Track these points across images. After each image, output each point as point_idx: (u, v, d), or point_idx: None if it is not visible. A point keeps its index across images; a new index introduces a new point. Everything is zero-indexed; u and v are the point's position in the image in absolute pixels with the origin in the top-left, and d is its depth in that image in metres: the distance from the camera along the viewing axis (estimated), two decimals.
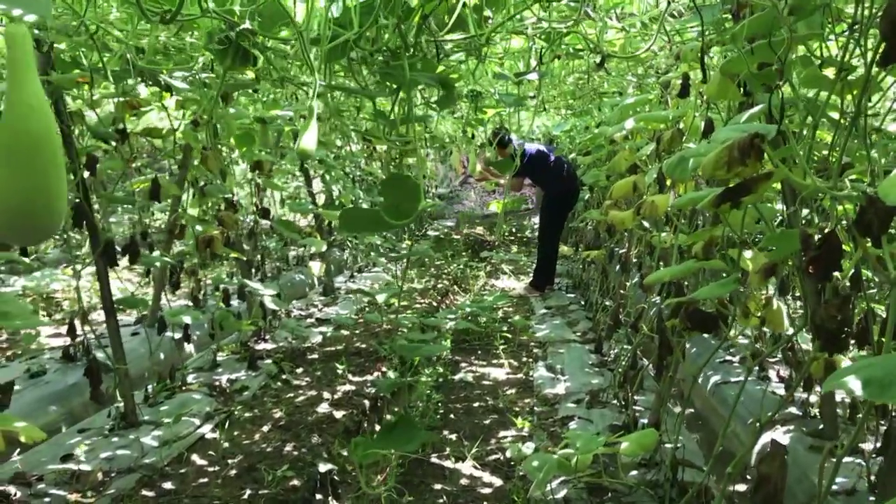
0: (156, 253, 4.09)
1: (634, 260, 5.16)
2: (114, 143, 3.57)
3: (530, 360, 4.73)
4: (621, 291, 4.60)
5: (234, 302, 4.86)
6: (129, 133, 3.78)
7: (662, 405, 3.03)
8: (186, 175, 4.57)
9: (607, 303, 5.33)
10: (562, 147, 8.51)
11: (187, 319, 3.62)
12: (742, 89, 2.66)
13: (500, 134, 6.82)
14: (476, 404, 3.87)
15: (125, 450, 3.07)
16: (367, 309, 6.21)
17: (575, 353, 4.67)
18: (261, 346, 4.75)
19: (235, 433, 3.40)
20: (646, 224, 4.27)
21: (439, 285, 7.20)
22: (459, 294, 7.49)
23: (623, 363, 4.26)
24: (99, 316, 5.62)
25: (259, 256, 5.77)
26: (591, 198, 6.45)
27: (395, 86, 1.78)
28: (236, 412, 3.62)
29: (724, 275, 2.97)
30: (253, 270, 5.95)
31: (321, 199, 8.16)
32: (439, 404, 3.77)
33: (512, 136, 7.01)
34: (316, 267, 5.81)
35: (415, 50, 1.93)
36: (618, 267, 5.10)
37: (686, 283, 3.87)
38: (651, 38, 2.70)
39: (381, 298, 3.00)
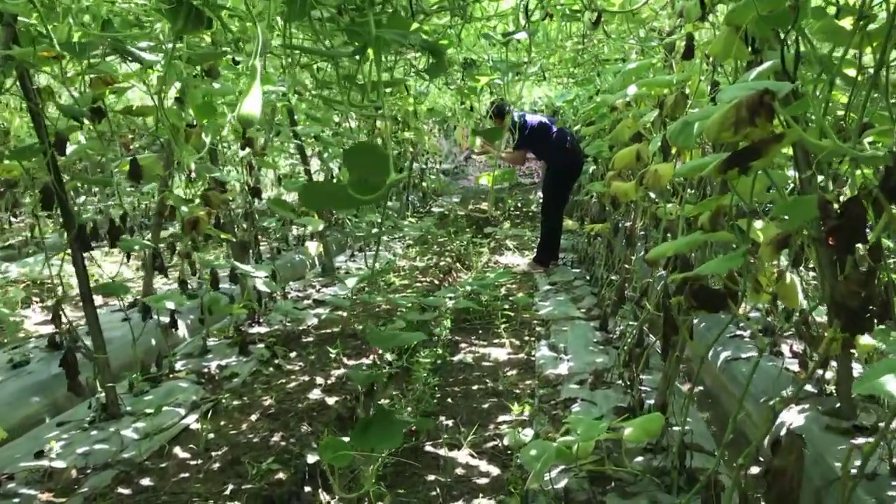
0: (145, 236, 3.93)
1: (640, 233, 4.98)
2: (89, 122, 3.39)
3: (532, 338, 4.56)
4: (626, 266, 4.42)
5: (226, 285, 4.70)
6: (111, 111, 3.62)
7: (669, 386, 2.85)
8: (172, 154, 4.41)
9: (613, 278, 5.14)
10: (565, 118, 8.29)
11: (170, 305, 3.46)
12: (750, 47, 2.46)
13: (500, 107, 6.63)
14: (475, 387, 3.70)
15: (104, 444, 2.92)
16: (366, 289, 6.04)
17: (579, 331, 4.50)
18: (254, 330, 4.59)
19: (222, 423, 3.25)
20: (652, 195, 4.09)
21: (441, 263, 7.02)
22: (462, 272, 7.32)
23: (629, 341, 4.09)
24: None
25: (254, 237, 5.60)
26: (596, 169, 6.25)
27: (361, 46, 1.60)
28: (224, 400, 3.47)
29: (734, 247, 2.78)
30: (250, 251, 5.79)
31: (321, 178, 7.98)
32: (436, 388, 3.61)
33: (511, 108, 6.81)
34: (312, 247, 5.64)
35: (383, 5, 1.74)
36: (623, 241, 4.92)
37: (693, 255, 3.70)
38: None
39: (350, 283, 2.82)
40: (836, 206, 1.36)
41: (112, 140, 3.89)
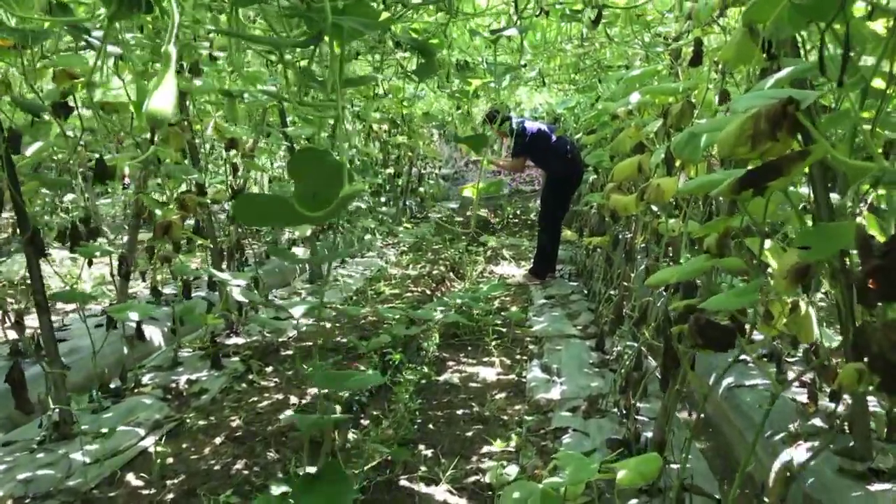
0: (122, 240, 3.69)
1: (641, 247, 4.74)
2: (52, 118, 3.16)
3: (524, 357, 4.31)
4: (625, 283, 4.17)
5: (202, 293, 4.46)
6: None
7: (668, 421, 2.61)
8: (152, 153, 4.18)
9: (611, 293, 4.90)
10: (566, 125, 8.06)
11: (134, 316, 3.20)
12: (766, 52, 2.22)
13: (494, 112, 6.42)
14: (459, 411, 3.45)
15: (49, 469, 2.68)
16: (354, 298, 5.80)
17: (574, 351, 4.25)
18: (232, 341, 4.36)
19: (184, 445, 3.00)
20: (654, 208, 3.86)
21: (434, 272, 6.78)
22: (456, 281, 7.07)
23: (626, 364, 3.85)
24: (64, 306, 5.25)
25: (237, 241, 5.37)
26: (596, 179, 6.00)
27: (314, 35, 1.36)
28: (188, 420, 3.23)
29: (740, 280, 2.52)
30: (234, 256, 5.55)
31: None
32: (417, 412, 3.36)
33: (511, 115, 6.60)
34: (299, 253, 5.40)
35: None
36: (623, 255, 4.68)
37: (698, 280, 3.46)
38: None
39: (296, 312, 2.51)
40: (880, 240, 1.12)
41: (89, 137, 3.64)
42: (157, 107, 1.02)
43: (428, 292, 6.07)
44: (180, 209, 3.90)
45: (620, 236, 5.10)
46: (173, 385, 3.60)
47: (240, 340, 4.40)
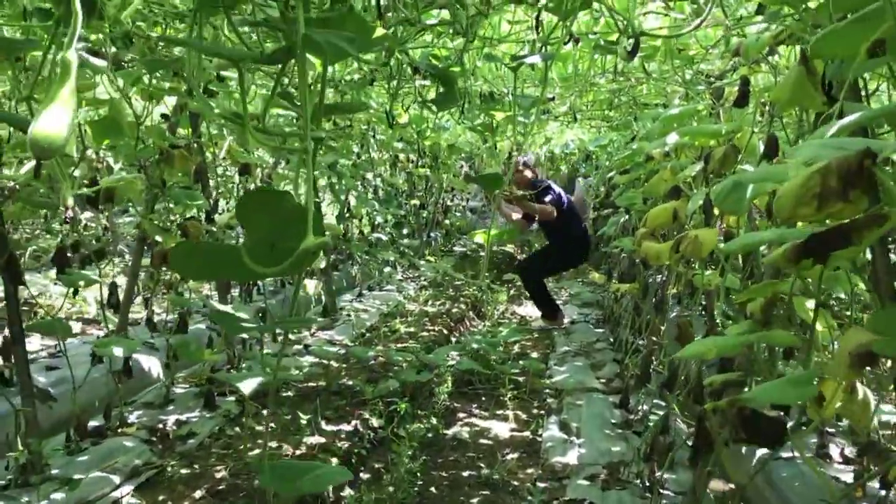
0: (110, 264, 3.47)
1: (672, 299, 4.44)
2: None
3: (541, 412, 4.00)
4: (653, 338, 3.86)
5: (202, 325, 4.23)
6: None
7: None
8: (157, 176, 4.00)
9: (639, 343, 4.59)
10: (599, 163, 7.79)
11: (119, 352, 2.96)
12: (826, 94, 1.94)
13: (522, 159, 6.24)
14: (466, 473, 3.16)
15: None
16: (366, 335, 5.54)
17: (595, 407, 3.94)
18: None
19: (160, 498, 2.74)
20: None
21: (454, 310, 6.50)
22: (476, 321, 6.79)
23: (651, 428, 3.53)
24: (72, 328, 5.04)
25: None
26: (627, 221, 5.70)
27: (284, 48, 1.10)
28: (170, 468, 2.97)
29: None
30: (246, 285, 5.34)
31: (335, 211, 7.53)
32: (418, 474, 3.07)
33: (553, 185, 6.42)
34: (311, 285, 5.16)
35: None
36: (653, 305, 4.37)
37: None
38: (700, 17, 2.00)
39: (245, 387, 2.18)
40: None
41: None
42: (45, 131, 0.77)
43: (445, 332, 5.79)
44: (182, 236, 3.70)
45: (651, 282, 4.80)
46: (161, 425, 3.35)
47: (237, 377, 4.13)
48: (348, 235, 7.50)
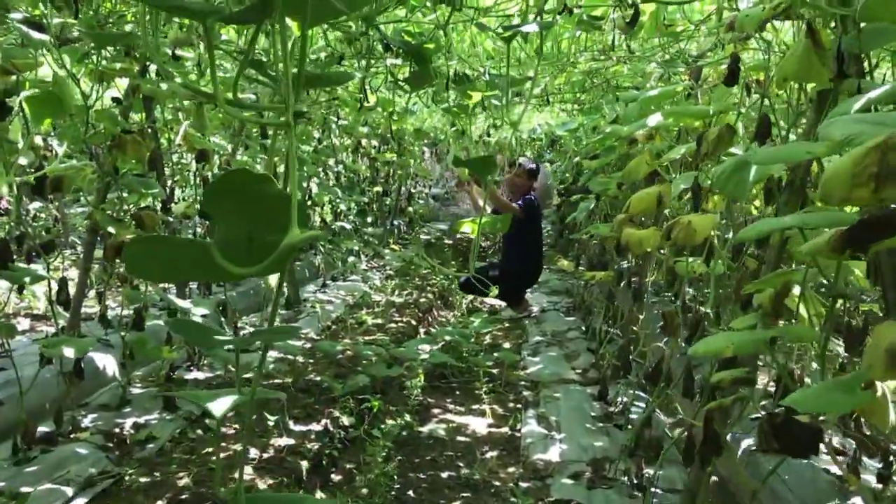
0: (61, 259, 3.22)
1: (649, 287, 4.32)
2: None
3: (518, 406, 3.86)
4: (633, 327, 3.73)
5: (159, 322, 4.00)
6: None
7: None
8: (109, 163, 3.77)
9: (613, 331, 4.47)
10: (566, 147, 7.66)
11: (69, 353, 2.74)
12: (838, 68, 1.81)
13: (528, 164, 6.11)
14: (445, 474, 3.00)
15: None
16: (333, 328, 5.35)
17: (573, 400, 3.81)
18: (192, 376, 3.89)
19: None
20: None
21: (422, 300, 6.33)
22: (444, 311, 6.63)
23: (634, 419, 3.41)
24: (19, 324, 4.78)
25: None
26: (597, 207, 5.57)
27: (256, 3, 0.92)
28: (128, 477, 2.76)
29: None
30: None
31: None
32: (395, 476, 2.90)
33: (543, 168, 6.27)
34: (272, 278, 4.93)
35: None
36: (630, 294, 4.25)
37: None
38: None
39: (216, 409, 2.06)
40: None
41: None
42: None
43: (414, 323, 5.62)
44: (138, 227, 3.47)
45: (624, 271, 4.68)
46: (118, 429, 3.13)
47: (201, 375, 3.93)
48: (311, 224, 7.28)
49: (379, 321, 5.49)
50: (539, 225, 6.48)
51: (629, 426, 3.44)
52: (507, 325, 5.93)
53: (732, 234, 2.88)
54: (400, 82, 2.71)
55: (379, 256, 8.15)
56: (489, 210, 6.21)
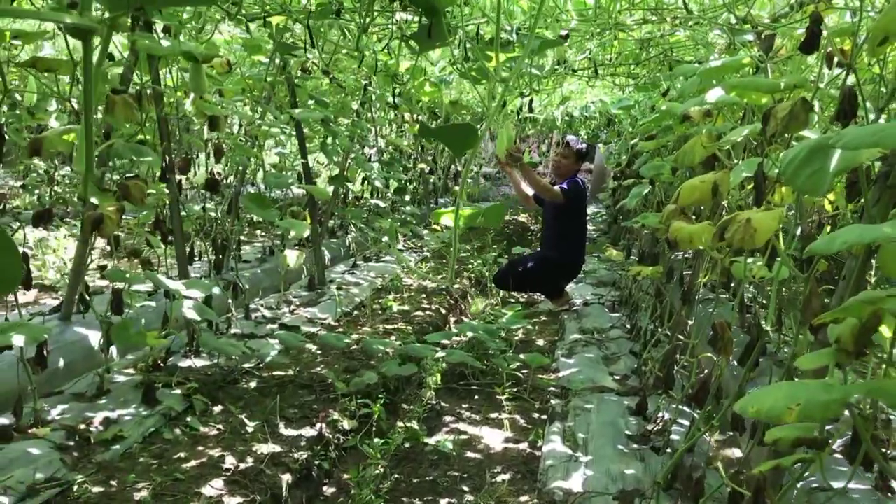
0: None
1: (701, 289, 3.82)
2: None
3: (543, 416, 3.41)
4: (679, 336, 3.25)
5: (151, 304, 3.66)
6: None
7: None
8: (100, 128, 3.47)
9: (661, 332, 3.96)
10: (621, 129, 7.11)
11: (19, 342, 2.39)
12: None
13: (577, 144, 5.61)
14: (445, 502, 2.58)
15: None
16: (355, 313, 4.96)
17: (607, 413, 3.35)
18: (187, 363, 3.54)
19: None
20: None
21: (455, 286, 5.90)
22: (480, 297, 6.19)
23: (675, 441, 2.95)
24: (24, 295, 4.52)
25: (217, 240, 4.57)
26: (652, 193, 5.02)
27: None
28: (77, 486, 2.41)
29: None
30: (230, 253, 4.77)
31: (327, 172, 6.93)
32: (389, 500, 2.49)
33: (582, 179, 5.77)
34: (292, 257, 4.55)
35: None
36: (679, 294, 3.75)
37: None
38: None
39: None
40: None
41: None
42: None
43: (443, 311, 5.20)
44: (124, 198, 3.12)
45: (676, 265, 4.17)
46: (84, 425, 2.79)
47: (198, 362, 3.58)
48: (348, 200, 6.90)
49: (405, 308, 5.09)
50: (584, 212, 5.96)
51: (668, 449, 2.97)
52: (543, 318, 5.46)
53: (801, 233, 2.38)
54: (407, 38, 2.27)
55: (418, 237, 7.73)
56: (530, 193, 5.72)
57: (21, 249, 2.74)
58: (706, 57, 3.90)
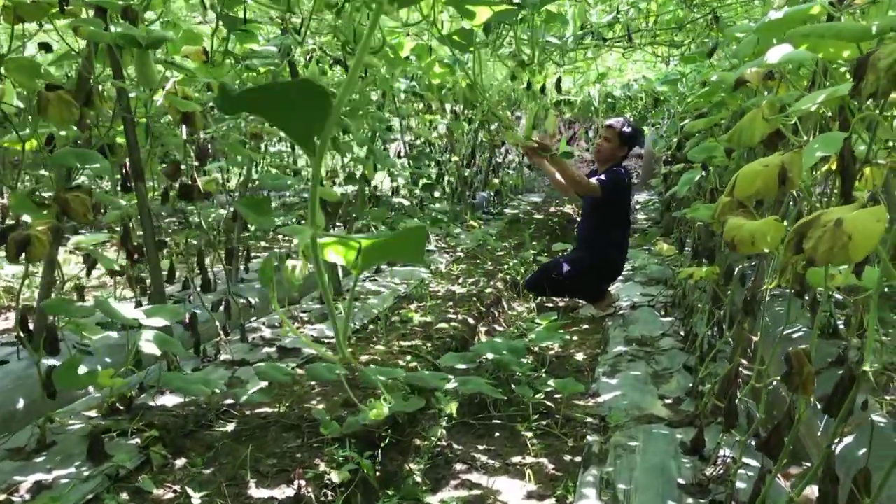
0: None
1: (767, 298, 3.17)
2: None
3: (577, 458, 2.81)
4: (742, 361, 2.60)
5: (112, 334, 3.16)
6: None
7: None
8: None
9: (721, 343, 3.31)
10: (670, 108, 6.43)
11: None
12: None
13: (618, 125, 4.99)
14: None
15: None
16: (370, 327, 4.42)
17: (655, 453, 2.73)
18: (161, 401, 3.03)
19: None
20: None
21: (489, 290, 5.31)
22: (517, 301, 5.59)
23: (740, 490, 2.33)
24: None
25: (203, 253, 4.08)
26: (705, 179, 4.33)
27: None
28: None
29: None
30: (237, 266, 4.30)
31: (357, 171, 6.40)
32: None
33: (623, 168, 5.16)
34: (296, 268, 4.02)
35: None
36: (741, 302, 3.09)
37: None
38: None
39: None
40: None
41: None
42: None
43: (472, 321, 4.62)
44: (63, 214, 2.64)
45: (735, 266, 3.51)
46: (7, 494, 2.30)
47: (173, 400, 3.07)
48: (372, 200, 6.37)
49: (428, 318, 4.52)
50: (627, 205, 5.32)
51: (732, 503, 2.35)
52: (584, 326, 4.83)
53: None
54: None
55: (450, 236, 7.15)
56: (566, 183, 5.07)
57: None
58: (763, 15, 3.25)
